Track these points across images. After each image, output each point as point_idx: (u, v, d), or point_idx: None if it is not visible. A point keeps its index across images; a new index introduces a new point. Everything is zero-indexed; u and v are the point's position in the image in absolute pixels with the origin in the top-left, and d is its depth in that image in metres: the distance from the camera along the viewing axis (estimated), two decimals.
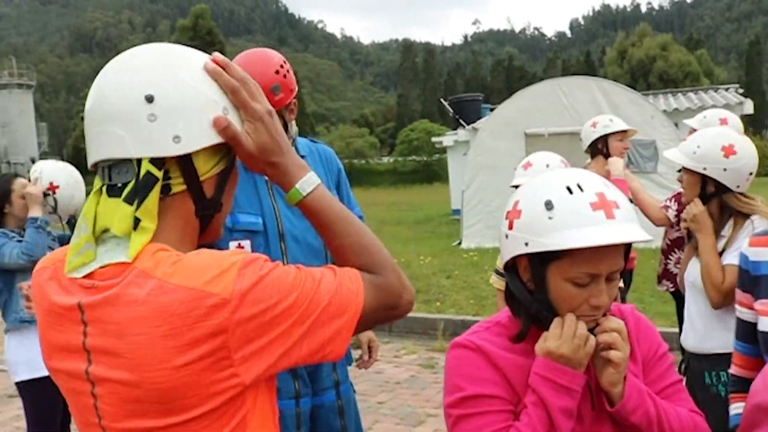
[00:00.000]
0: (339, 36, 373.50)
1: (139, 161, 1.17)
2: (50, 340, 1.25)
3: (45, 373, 3.50)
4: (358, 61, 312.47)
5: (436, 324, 7.60)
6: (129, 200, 1.18)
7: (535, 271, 1.57)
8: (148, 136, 1.16)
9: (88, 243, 1.20)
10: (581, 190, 1.51)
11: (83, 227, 1.19)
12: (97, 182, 1.21)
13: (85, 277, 1.20)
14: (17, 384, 3.63)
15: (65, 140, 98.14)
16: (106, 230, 1.19)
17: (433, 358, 6.92)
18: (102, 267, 1.19)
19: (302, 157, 2.91)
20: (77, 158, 70.69)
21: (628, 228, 1.48)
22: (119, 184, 1.18)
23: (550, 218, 1.50)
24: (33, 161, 64.14)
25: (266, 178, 2.76)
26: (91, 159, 1.21)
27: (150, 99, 1.16)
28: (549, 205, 1.50)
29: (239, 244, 2.69)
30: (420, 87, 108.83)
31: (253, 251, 2.66)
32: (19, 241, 3.55)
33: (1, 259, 3.52)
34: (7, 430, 5.34)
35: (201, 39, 65.93)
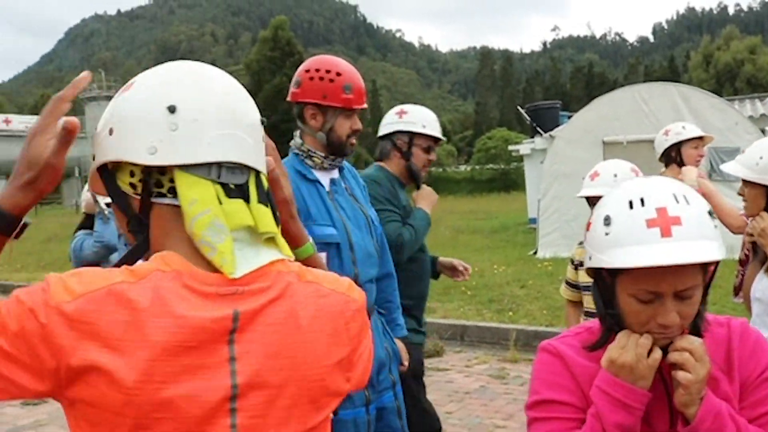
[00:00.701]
0: (417, 44, 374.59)
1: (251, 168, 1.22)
2: (174, 362, 1.07)
3: None
4: (435, 69, 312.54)
5: (509, 334, 7.52)
6: (263, 202, 1.20)
7: (606, 284, 1.56)
8: (260, 150, 1.25)
9: (238, 243, 1.16)
10: (642, 204, 1.46)
11: (220, 231, 1.13)
12: (202, 182, 1.15)
13: (234, 283, 1.14)
14: None
15: None
16: (241, 231, 1.17)
17: (504, 368, 6.85)
18: (257, 268, 1.16)
19: (341, 170, 3.00)
20: None
21: (687, 247, 1.41)
22: (232, 185, 1.17)
23: (606, 234, 1.48)
24: None
25: (327, 190, 2.85)
26: (218, 156, 1.15)
27: (262, 122, 1.29)
28: (607, 221, 1.49)
29: None
30: (498, 95, 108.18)
31: (327, 263, 2.71)
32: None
33: (81, 253, 4.01)
34: None
35: (281, 50, 67.15)
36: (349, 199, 2.93)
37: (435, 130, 3.61)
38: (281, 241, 1.22)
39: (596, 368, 1.55)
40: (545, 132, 16.16)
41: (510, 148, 26.45)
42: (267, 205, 1.21)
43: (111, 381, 1.02)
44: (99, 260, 4.10)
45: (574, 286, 3.80)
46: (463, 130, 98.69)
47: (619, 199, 1.51)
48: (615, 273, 1.50)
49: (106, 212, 4.10)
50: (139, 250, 1.19)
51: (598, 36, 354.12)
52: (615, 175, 3.37)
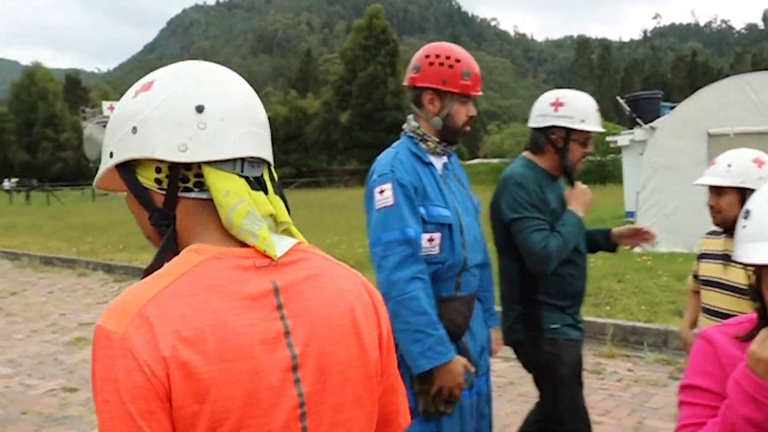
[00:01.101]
0: (512, 33, 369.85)
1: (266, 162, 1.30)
2: (234, 340, 1.12)
3: None
4: (531, 59, 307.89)
5: (605, 329, 7.35)
6: (278, 193, 1.29)
7: (757, 276, 1.55)
8: (270, 145, 1.32)
9: (278, 231, 1.27)
10: None
11: (256, 219, 1.21)
12: (232, 177, 1.21)
13: (273, 262, 1.22)
14: None
15: None
16: (267, 219, 1.25)
17: (600, 363, 6.71)
18: (285, 254, 1.23)
19: (449, 156, 2.96)
20: None
21: None
22: (251, 178, 1.24)
23: (744, 227, 1.47)
24: None
25: (440, 173, 2.86)
26: (243, 152, 1.22)
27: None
28: (747, 214, 1.48)
29: (430, 237, 2.73)
30: (595, 84, 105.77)
31: (440, 244, 2.75)
32: None
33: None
34: None
35: (375, 38, 67.41)
36: (457, 185, 2.95)
37: (595, 124, 3.22)
38: (294, 229, 1.30)
39: (743, 359, 1.54)
40: (645, 123, 15.69)
41: (608, 139, 25.82)
42: (280, 197, 1.29)
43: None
44: None
45: (695, 276, 3.64)
46: None
47: (763, 193, 1.48)
48: (761, 266, 1.49)
49: None
50: (170, 242, 1.24)
51: (702, 24, 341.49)
52: (729, 165, 3.19)
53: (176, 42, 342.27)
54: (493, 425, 3.13)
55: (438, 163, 2.88)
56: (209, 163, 1.20)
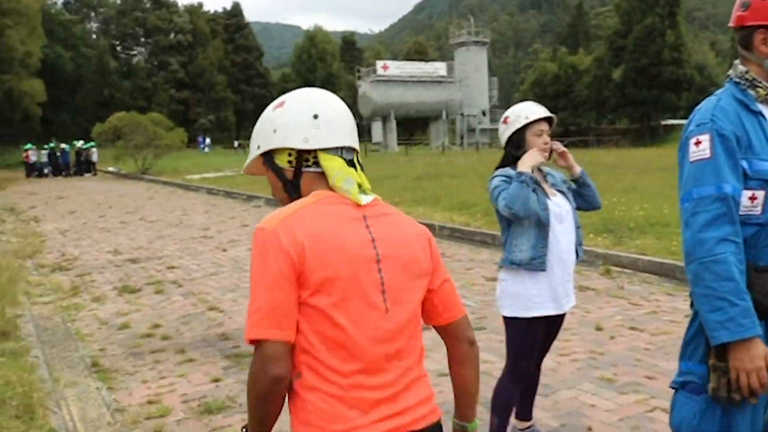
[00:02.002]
0: None
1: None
2: (342, 239, 1.81)
3: (530, 314, 3.68)
4: None
5: None
6: (362, 171, 1.95)
7: None
8: (357, 137, 2.00)
9: (363, 191, 1.92)
10: None
11: (351, 182, 1.88)
12: (335, 158, 1.90)
13: (359, 205, 1.89)
14: (504, 318, 3.83)
15: (511, 94, 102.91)
16: (359, 185, 1.92)
17: None
18: (369, 202, 1.91)
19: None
20: None
21: None
22: (348, 159, 1.92)
23: None
24: (483, 113, 68.41)
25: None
26: (342, 143, 1.91)
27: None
28: None
29: (753, 195, 2.38)
30: None
31: (764, 203, 2.39)
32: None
33: (493, 201, 3.73)
34: None
35: None
36: None
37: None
38: (372, 192, 1.95)
39: None
40: None
41: None
42: (364, 173, 1.95)
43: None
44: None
45: None
46: None
47: None
48: None
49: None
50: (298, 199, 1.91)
51: None
52: None
53: (444, 1, 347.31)
54: None
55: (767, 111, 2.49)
56: (322, 149, 1.90)
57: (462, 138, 68.14)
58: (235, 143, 69.59)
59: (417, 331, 1.95)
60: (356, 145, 1.96)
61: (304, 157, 1.90)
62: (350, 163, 1.92)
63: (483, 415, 4.46)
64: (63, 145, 44.24)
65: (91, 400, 4.97)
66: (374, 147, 62.89)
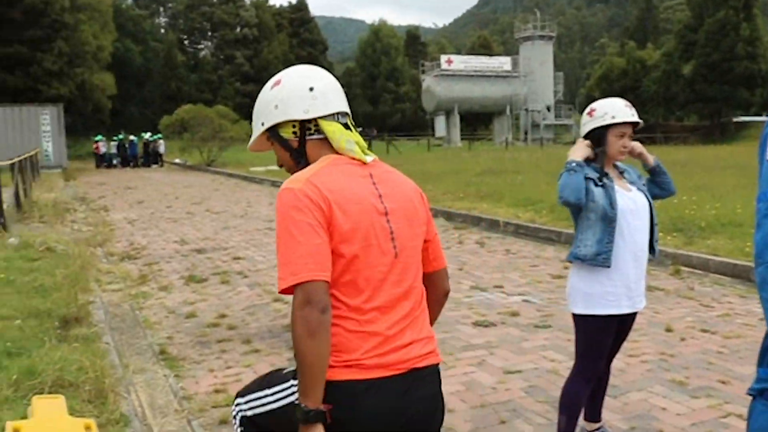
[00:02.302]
0: None
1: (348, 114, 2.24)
2: (358, 194, 2.06)
3: (602, 311, 3.60)
4: None
5: None
6: (356, 131, 2.18)
7: None
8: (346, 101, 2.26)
9: (362, 151, 2.16)
10: None
11: (352, 143, 2.14)
12: (334, 123, 2.15)
13: (365, 164, 2.14)
14: (573, 315, 3.76)
15: (576, 89, 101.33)
16: (359, 145, 2.17)
17: None
18: (371, 161, 2.16)
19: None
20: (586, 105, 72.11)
21: None
22: (345, 123, 2.18)
23: None
24: (548, 109, 67.57)
25: None
26: (338, 109, 2.17)
27: None
28: None
29: None
30: None
31: None
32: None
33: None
34: (532, 358, 5.57)
35: None
36: None
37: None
38: (371, 152, 2.19)
39: None
40: None
41: None
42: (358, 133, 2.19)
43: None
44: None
45: None
46: None
47: None
48: None
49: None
50: (306, 165, 2.15)
51: None
52: None
53: None
54: None
55: None
56: (321, 117, 2.13)
57: (526, 133, 67.42)
58: None
59: (420, 273, 2.19)
60: (348, 109, 2.21)
61: (307, 127, 2.14)
62: (346, 126, 2.17)
63: (551, 415, 4.39)
64: (131, 137, 45.23)
65: (159, 387, 5.05)
66: (437, 141, 62.74)
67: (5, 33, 53.95)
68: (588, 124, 3.71)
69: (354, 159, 2.11)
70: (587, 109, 3.80)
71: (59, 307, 6.57)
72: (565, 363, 5.29)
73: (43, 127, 37.81)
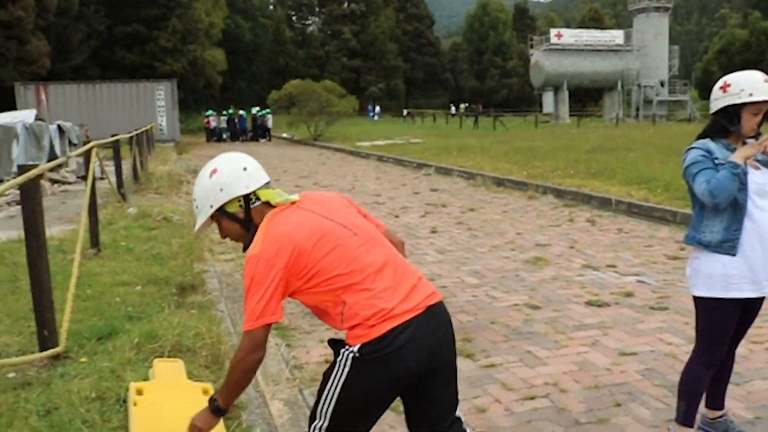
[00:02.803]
0: None
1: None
2: (301, 220, 2.58)
3: (726, 294, 3.44)
4: None
5: None
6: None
7: None
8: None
9: (288, 196, 2.68)
10: None
11: (283, 195, 2.67)
12: (266, 189, 2.70)
13: (294, 203, 2.67)
14: (694, 297, 3.61)
15: (693, 64, 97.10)
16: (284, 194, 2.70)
17: None
18: (297, 199, 2.69)
19: None
20: (705, 82, 69.13)
21: None
22: (265, 187, 2.72)
23: None
24: (662, 84, 65.03)
25: None
26: (266, 180, 2.72)
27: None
28: None
29: None
30: None
31: None
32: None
33: (687, 175, 3.49)
34: (648, 340, 5.39)
35: None
36: None
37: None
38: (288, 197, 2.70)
39: None
40: None
41: None
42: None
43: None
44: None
45: None
46: None
47: None
48: None
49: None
50: (253, 229, 2.64)
51: None
52: None
53: None
54: None
55: None
56: (258, 188, 2.68)
57: (638, 110, 65.08)
58: (404, 111, 70.20)
59: (382, 238, 2.74)
60: (267, 179, 2.76)
61: (249, 198, 2.67)
62: (268, 188, 2.74)
63: (668, 399, 4.23)
64: (241, 112, 46.42)
65: (270, 356, 5.13)
66: (544, 118, 61.47)
67: (125, 13, 56.30)
68: (720, 100, 3.46)
69: (287, 205, 2.65)
70: (720, 83, 3.51)
71: (176, 274, 6.80)
72: (684, 347, 5.08)
73: (158, 102, 39.31)
